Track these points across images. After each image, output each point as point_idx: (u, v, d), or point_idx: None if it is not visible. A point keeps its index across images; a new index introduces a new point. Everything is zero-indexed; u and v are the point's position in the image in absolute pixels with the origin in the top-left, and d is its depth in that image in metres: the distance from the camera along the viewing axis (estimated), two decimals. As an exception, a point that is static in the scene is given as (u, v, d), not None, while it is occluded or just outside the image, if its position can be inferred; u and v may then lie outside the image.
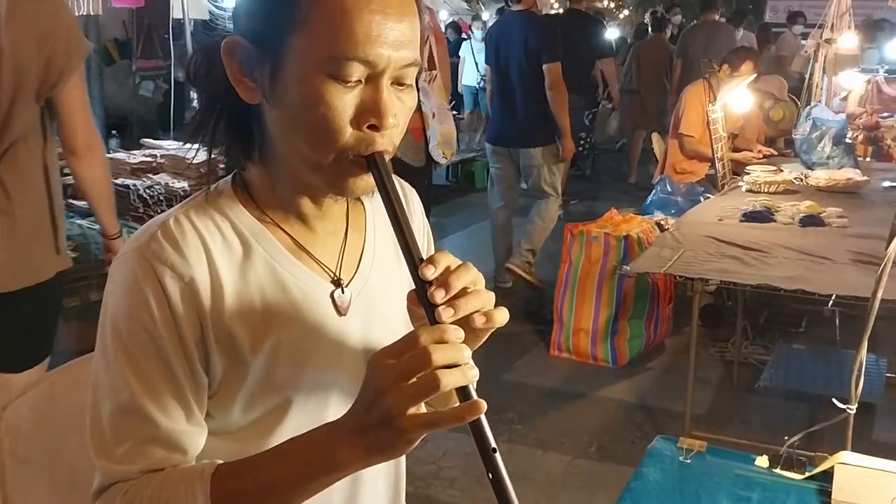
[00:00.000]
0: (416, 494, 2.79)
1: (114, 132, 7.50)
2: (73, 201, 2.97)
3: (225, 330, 0.92)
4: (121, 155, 3.32)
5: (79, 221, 2.68)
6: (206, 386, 0.93)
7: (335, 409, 1.00)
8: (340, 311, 0.99)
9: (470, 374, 0.77)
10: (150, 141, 3.72)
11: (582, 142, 7.33)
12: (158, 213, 2.81)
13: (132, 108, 8.52)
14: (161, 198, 2.91)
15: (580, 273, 3.98)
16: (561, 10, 5.79)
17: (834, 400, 1.51)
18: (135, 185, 2.89)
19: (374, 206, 1.06)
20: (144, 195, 2.89)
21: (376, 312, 1.03)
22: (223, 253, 0.93)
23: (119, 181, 2.94)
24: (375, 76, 0.85)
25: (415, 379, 0.76)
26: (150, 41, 9.11)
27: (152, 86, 8.89)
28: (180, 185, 3.81)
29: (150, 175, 3.06)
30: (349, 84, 0.84)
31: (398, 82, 0.88)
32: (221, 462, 0.89)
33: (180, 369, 0.90)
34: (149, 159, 3.22)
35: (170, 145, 4.04)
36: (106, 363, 0.90)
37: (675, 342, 4.17)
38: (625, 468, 2.95)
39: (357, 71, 0.84)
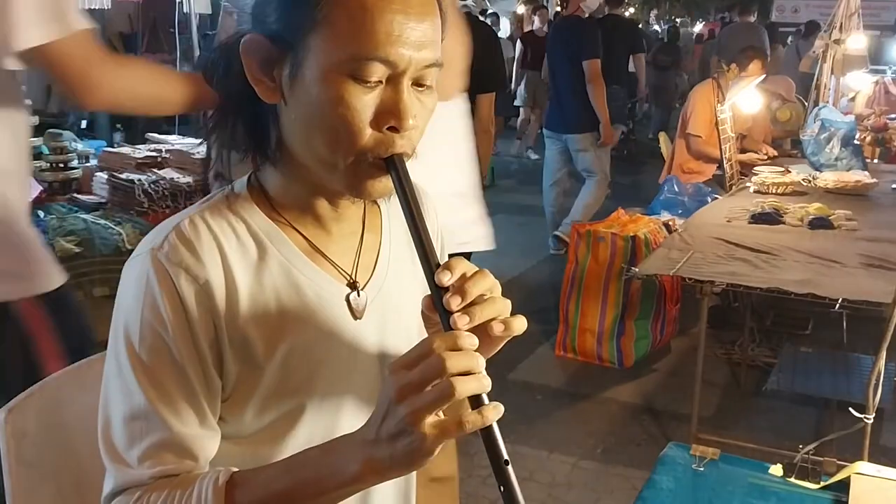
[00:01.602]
0: (421, 495, 2.77)
1: (118, 126, 7.48)
2: (78, 195, 2.95)
3: (239, 333, 0.90)
4: (125, 149, 3.29)
5: (83, 216, 2.65)
6: (220, 389, 0.91)
7: (348, 413, 0.98)
8: (356, 315, 0.98)
9: (485, 383, 0.76)
10: (155, 135, 3.69)
11: (623, 132, 8.22)
12: (163, 208, 2.75)
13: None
14: (166, 193, 2.87)
15: (586, 273, 3.96)
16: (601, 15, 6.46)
17: (851, 410, 1.49)
18: (139, 179, 2.86)
19: (390, 207, 1.04)
20: (149, 190, 2.85)
21: (392, 316, 1.01)
22: (238, 255, 0.91)
23: (123, 176, 2.91)
24: (396, 77, 0.84)
25: (429, 387, 0.75)
26: (156, 35, 9.06)
27: (157, 80, 8.83)
28: (185, 180, 3.79)
29: (155, 170, 3.03)
30: (369, 84, 0.83)
31: (418, 83, 0.86)
32: (236, 470, 0.88)
33: (193, 373, 0.88)
34: (154, 154, 3.19)
35: (175, 140, 4.02)
36: (118, 366, 0.89)
37: (681, 343, 4.15)
38: (631, 470, 2.94)
39: (378, 71, 0.82)
